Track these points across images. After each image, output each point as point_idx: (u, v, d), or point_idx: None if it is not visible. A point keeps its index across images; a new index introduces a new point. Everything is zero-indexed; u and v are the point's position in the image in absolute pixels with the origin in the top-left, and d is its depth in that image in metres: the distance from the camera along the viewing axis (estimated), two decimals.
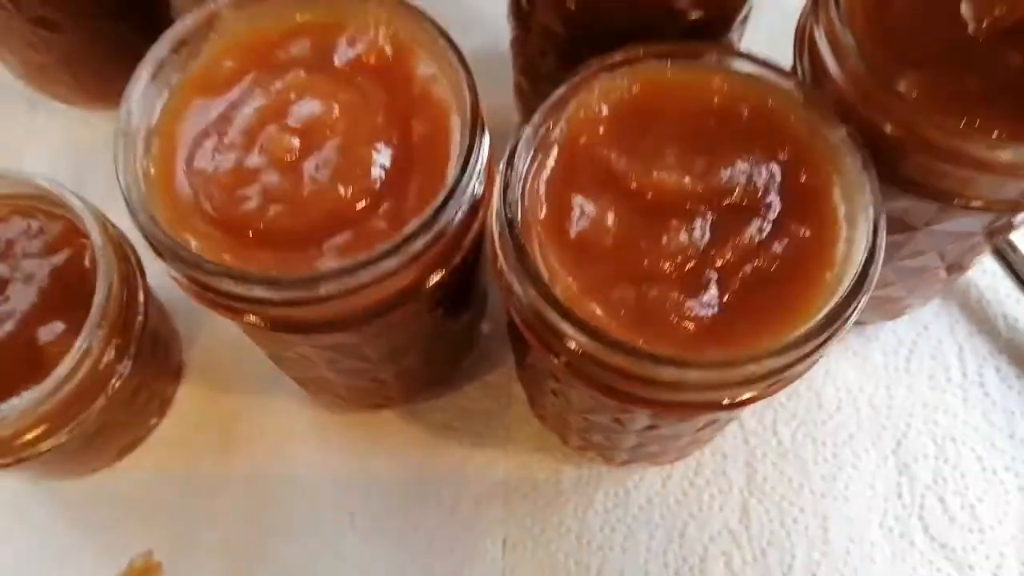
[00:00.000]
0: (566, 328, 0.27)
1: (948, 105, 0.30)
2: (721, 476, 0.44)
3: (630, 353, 0.26)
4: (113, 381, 0.39)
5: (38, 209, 0.40)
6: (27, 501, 0.45)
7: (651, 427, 0.34)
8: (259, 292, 0.29)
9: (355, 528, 0.44)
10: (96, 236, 0.38)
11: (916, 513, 0.44)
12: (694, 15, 0.37)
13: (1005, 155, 0.29)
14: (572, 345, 0.28)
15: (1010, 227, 0.36)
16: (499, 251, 0.29)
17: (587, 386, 0.29)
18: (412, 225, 0.29)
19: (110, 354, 0.38)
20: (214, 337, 0.48)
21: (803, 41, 0.35)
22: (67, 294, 0.39)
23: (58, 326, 0.38)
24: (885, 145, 0.31)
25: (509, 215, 0.29)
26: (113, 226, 0.40)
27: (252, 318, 0.31)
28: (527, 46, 0.46)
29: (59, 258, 0.39)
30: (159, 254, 0.30)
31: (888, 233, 0.29)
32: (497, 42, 0.50)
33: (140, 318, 0.40)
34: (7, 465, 0.38)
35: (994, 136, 0.30)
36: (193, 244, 0.29)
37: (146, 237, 0.29)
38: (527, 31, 0.45)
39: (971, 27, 0.32)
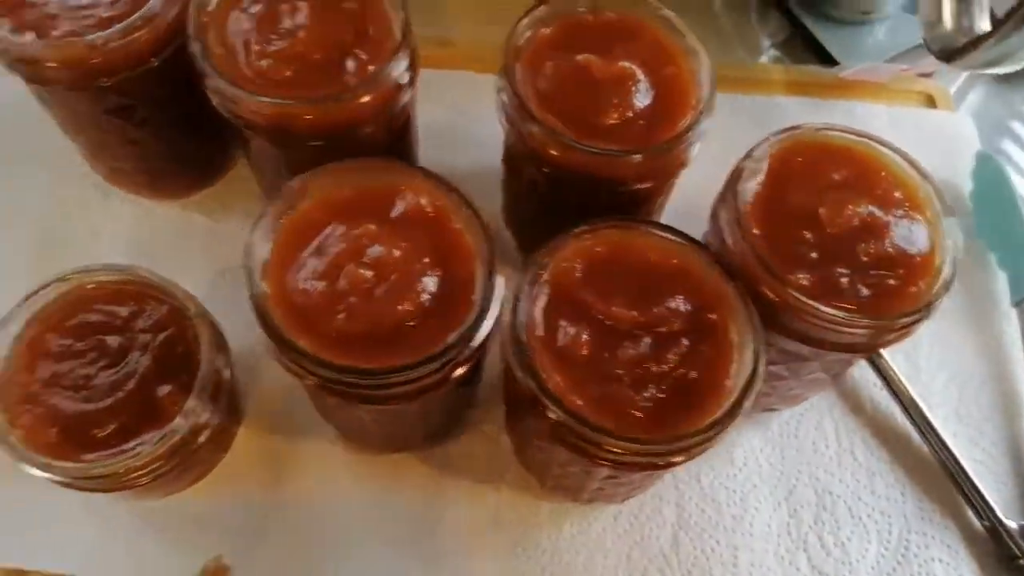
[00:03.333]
0: (559, 413, 0.41)
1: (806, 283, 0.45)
2: (658, 513, 0.57)
3: (602, 432, 0.40)
4: (207, 430, 0.51)
5: (148, 295, 0.52)
6: (115, 513, 0.56)
7: (611, 477, 0.47)
8: (349, 378, 0.42)
9: (381, 543, 0.56)
10: (199, 322, 0.50)
11: (801, 547, 0.57)
12: (635, 185, 0.51)
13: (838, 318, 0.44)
14: (559, 423, 0.41)
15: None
16: (511, 356, 0.43)
17: (570, 450, 0.43)
18: (451, 339, 0.42)
19: (208, 409, 0.50)
20: (265, 390, 0.60)
21: (715, 218, 0.49)
22: (173, 361, 0.50)
23: (166, 387, 0.49)
24: (765, 301, 0.45)
25: (518, 333, 0.42)
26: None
27: (334, 393, 0.44)
28: (515, 186, 0.60)
29: (166, 334, 0.51)
30: (280, 348, 0.42)
31: (792, 363, 0.44)
32: (490, 159, 0.63)
33: (226, 380, 0.52)
34: (109, 490, 0.50)
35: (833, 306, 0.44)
36: (300, 343, 0.43)
37: (271, 337, 0.42)
38: (516, 176, 0.59)
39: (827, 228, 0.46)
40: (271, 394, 0.60)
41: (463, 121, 0.72)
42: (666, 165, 0.51)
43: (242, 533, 0.56)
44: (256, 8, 0.52)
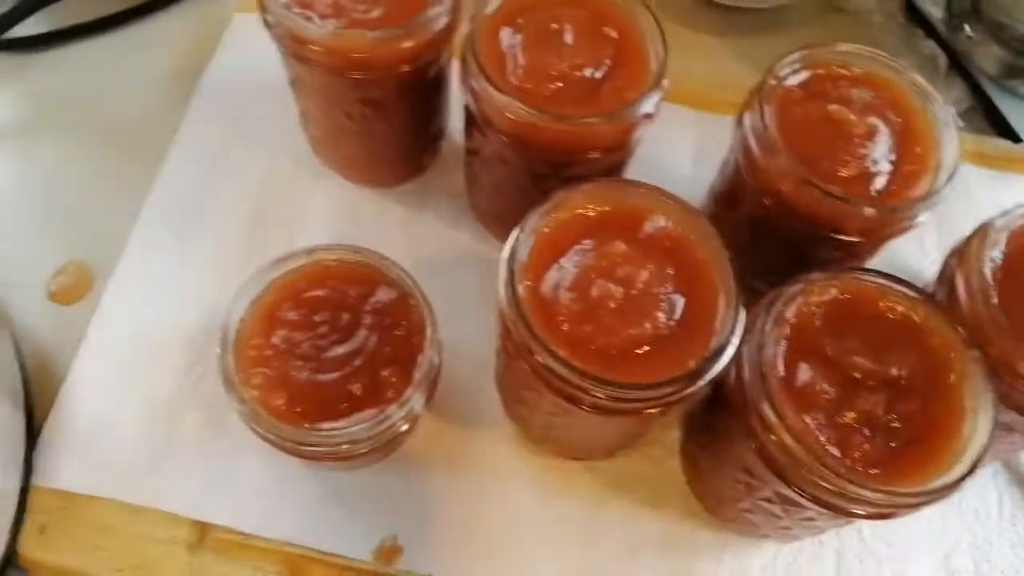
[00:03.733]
0: (795, 447, 0.42)
1: None
2: (817, 558, 0.58)
3: (836, 473, 0.41)
4: (414, 417, 0.53)
5: (379, 279, 0.54)
6: (301, 479, 0.58)
7: (808, 519, 0.49)
8: (592, 387, 0.44)
9: (542, 545, 0.57)
10: (426, 312, 0.52)
11: None
12: (855, 238, 0.52)
13: None
14: (796, 460, 0.43)
15: None
16: (752, 390, 0.44)
17: (788, 486, 0.44)
18: (693, 364, 0.44)
19: (421, 399, 0.51)
20: (451, 380, 0.60)
21: (947, 276, 0.51)
22: (395, 345, 0.52)
23: (387, 369, 0.51)
24: (993, 368, 0.45)
25: (763, 370, 0.44)
26: None
27: (566, 397, 0.46)
28: (726, 222, 0.61)
29: (393, 318, 0.53)
30: (531, 347, 0.44)
31: (997, 430, 0.45)
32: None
33: (438, 372, 0.55)
34: (318, 459, 0.52)
35: None
36: (553, 347, 0.45)
37: (527, 335, 0.44)
38: (729, 212, 0.60)
39: None
40: (456, 385, 0.62)
41: (655, 150, 0.74)
42: (894, 224, 0.52)
43: (415, 516, 0.58)
44: (527, 26, 0.55)
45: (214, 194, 0.68)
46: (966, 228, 0.72)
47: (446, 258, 0.68)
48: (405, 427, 0.53)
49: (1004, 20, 0.79)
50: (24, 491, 0.55)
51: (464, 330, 0.63)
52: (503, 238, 0.47)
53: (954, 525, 0.61)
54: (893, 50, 0.83)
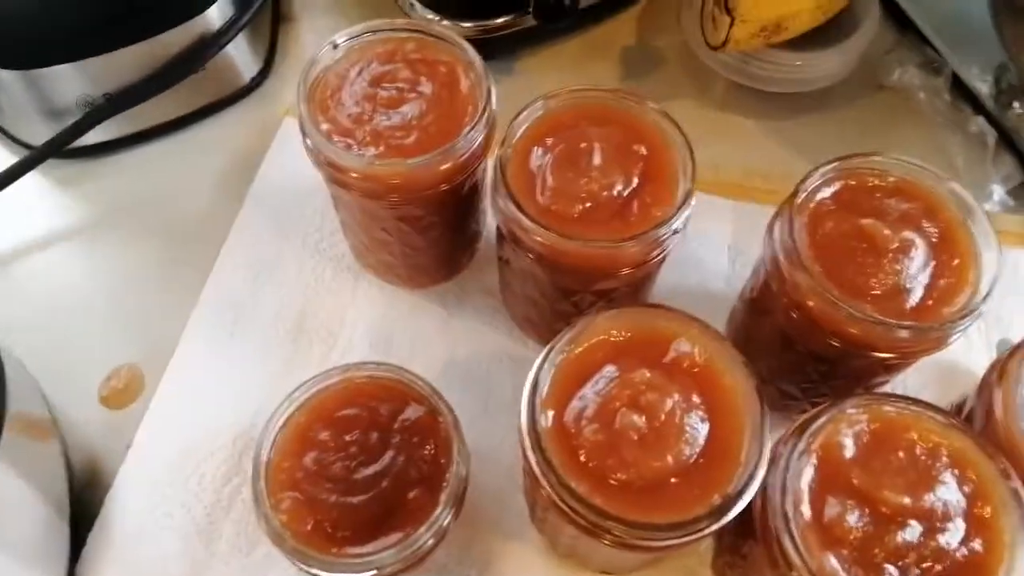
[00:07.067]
0: None
1: None
2: None
3: None
4: (447, 532, 0.53)
5: (410, 395, 0.54)
6: None
7: None
8: (612, 525, 0.44)
9: None
10: (454, 432, 0.52)
11: None
12: (887, 355, 0.51)
13: None
14: None
15: None
16: (776, 526, 0.44)
17: None
18: (716, 500, 0.44)
19: (449, 516, 0.52)
20: (480, 489, 0.62)
21: (984, 391, 0.49)
22: (423, 464, 0.52)
23: (415, 490, 0.51)
24: None
25: (786, 506, 0.43)
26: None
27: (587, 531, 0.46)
28: (754, 324, 0.61)
29: (421, 436, 0.53)
30: (548, 483, 0.45)
31: None
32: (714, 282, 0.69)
33: (465, 485, 0.55)
34: None
35: None
36: (573, 484, 0.45)
37: (547, 473, 0.44)
38: (758, 315, 0.60)
39: None
40: (484, 492, 0.62)
41: (692, 246, 0.73)
42: (928, 343, 0.51)
43: None
44: (556, 146, 0.56)
45: (259, 298, 0.71)
46: (1016, 321, 0.70)
47: (481, 358, 0.68)
48: (432, 543, 0.53)
49: None
50: None
51: (495, 433, 0.64)
52: (536, 338, 0.48)
53: None
54: (940, 127, 0.83)
